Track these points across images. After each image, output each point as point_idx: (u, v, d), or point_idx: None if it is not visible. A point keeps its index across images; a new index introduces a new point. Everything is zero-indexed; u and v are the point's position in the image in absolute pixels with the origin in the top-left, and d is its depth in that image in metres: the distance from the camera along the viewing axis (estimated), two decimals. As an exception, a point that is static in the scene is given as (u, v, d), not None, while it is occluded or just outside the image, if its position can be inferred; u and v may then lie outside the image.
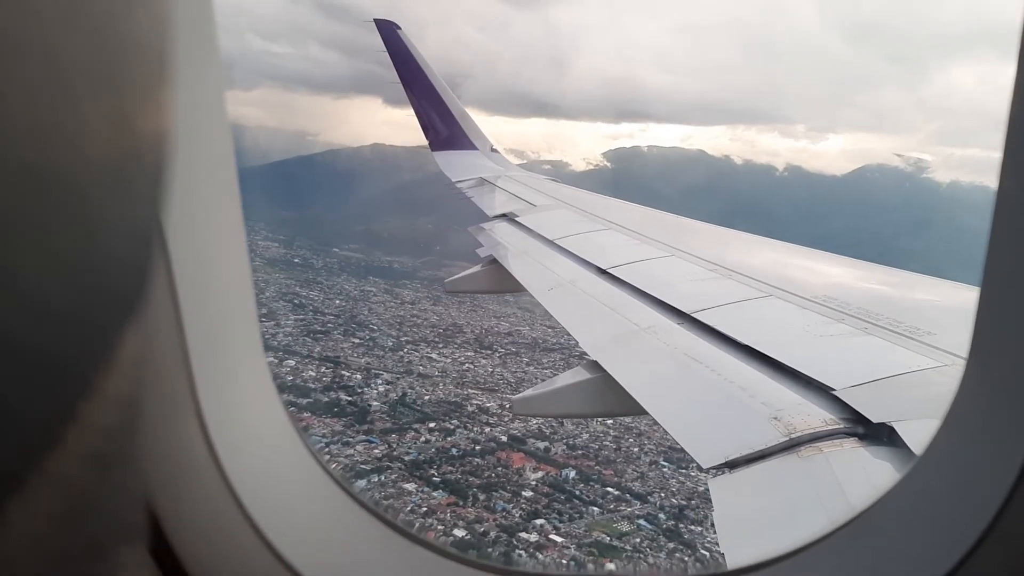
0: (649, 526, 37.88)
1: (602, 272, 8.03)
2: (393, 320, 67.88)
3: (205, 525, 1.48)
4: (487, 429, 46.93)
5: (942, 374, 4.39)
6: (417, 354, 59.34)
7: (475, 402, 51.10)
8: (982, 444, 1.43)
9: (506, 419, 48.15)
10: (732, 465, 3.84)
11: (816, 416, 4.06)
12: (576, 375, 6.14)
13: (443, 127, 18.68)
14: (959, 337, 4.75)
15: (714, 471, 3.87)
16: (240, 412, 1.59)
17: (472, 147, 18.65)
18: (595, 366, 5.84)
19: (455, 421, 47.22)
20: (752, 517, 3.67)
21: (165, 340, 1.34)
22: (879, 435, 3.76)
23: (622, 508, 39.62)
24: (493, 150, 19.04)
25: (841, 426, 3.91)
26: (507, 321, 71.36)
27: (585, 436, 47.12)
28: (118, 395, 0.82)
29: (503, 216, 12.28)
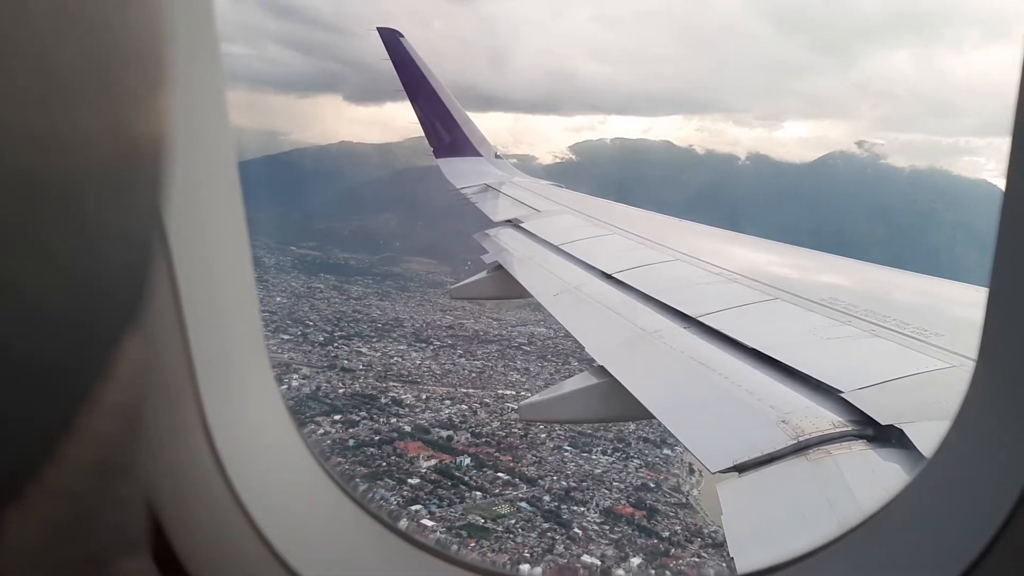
0: (529, 508, 38.85)
1: (608, 277, 8.02)
2: (333, 316, 68.42)
3: (210, 533, 1.47)
4: (393, 420, 47.61)
5: (950, 375, 4.37)
6: (347, 348, 59.99)
7: (391, 394, 51.82)
8: (993, 445, 1.41)
9: (417, 409, 49.23)
10: (740, 468, 3.83)
11: (824, 419, 4.03)
12: (583, 380, 6.13)
13: (447, 134, 18.71)
14: (966, 338, 4.74)
15: (722, 475, 3.85)
16: (245, 419, 1.59)
17: (476, 153, 18.68)
18: (602, 371, 5.82)
19: (363, 413, 47.86)
20: (761, 521, 3.65)
21: (168, 347, 1.34)
22: (888, 437, 3.74)
23: (508, 492, 40.61)
24: (497, 156, 19.07)
25: (849, 428, 3.89)
26: (452, 315, 72.17)
27: (495, 424, 48.35)
28: (120, 404, 0.82)
29: (508, 222, 12.28)
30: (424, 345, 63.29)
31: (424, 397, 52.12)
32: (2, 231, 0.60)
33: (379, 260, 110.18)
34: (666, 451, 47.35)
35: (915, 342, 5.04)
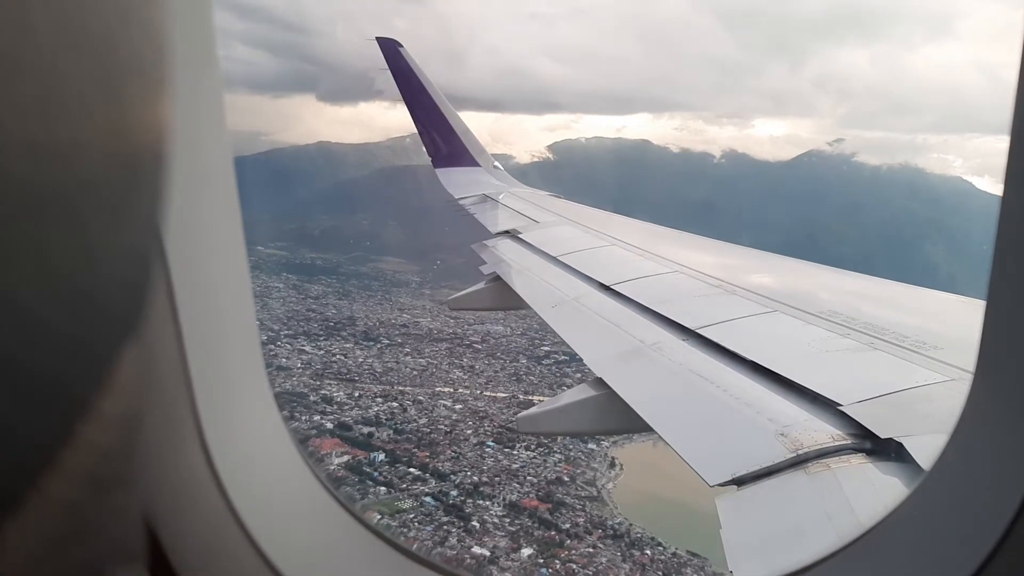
0: (433, 503, 39.40)
1: (606, 288, 8.02)
2: (284, 315, 68.19)
3: (206, 545, 1.46)
4: (317, 417, 47.79)
5: (949, 389, 4.36)
6: (289, 347, 59.88)
7: (323, 392, 51.99)
8: (991, 458, 1.41)
9: (345, 407, 49.49)
10: (739, 482, 3.81)
11: (823, 432, 4.03)
12: (581, 392, 6.11)
13: (445, 144, 18.74)
14: (965, 351, 4.74)
15: (721, 488, 3.84)
16: (241, 431, 1.58)
17: (474, 163, 18.70)
18: (600, 383, 5.81)
19: (285, 412, 48.16)
20: (760, 534, 3.64)
21: (165, 358, 1.33)
22: (887, 450, 3.74)
23: (415, 487, 41.07)
24: (495, 166, 19.10)
25: (848, 442, 3.88)
26: (409, 313, 72.94)
27: (422, 421, 48.92)
28: (117, 415, 0.81)
29: (506, 233, 12.29)
30: (371, 343, 63.48)
31: (357, 395, 52.40)
32: (3, 241, 0.59)
33: (347, 260, 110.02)
34: (591, 446, 47.87)
35: (914, 355, 5.04)
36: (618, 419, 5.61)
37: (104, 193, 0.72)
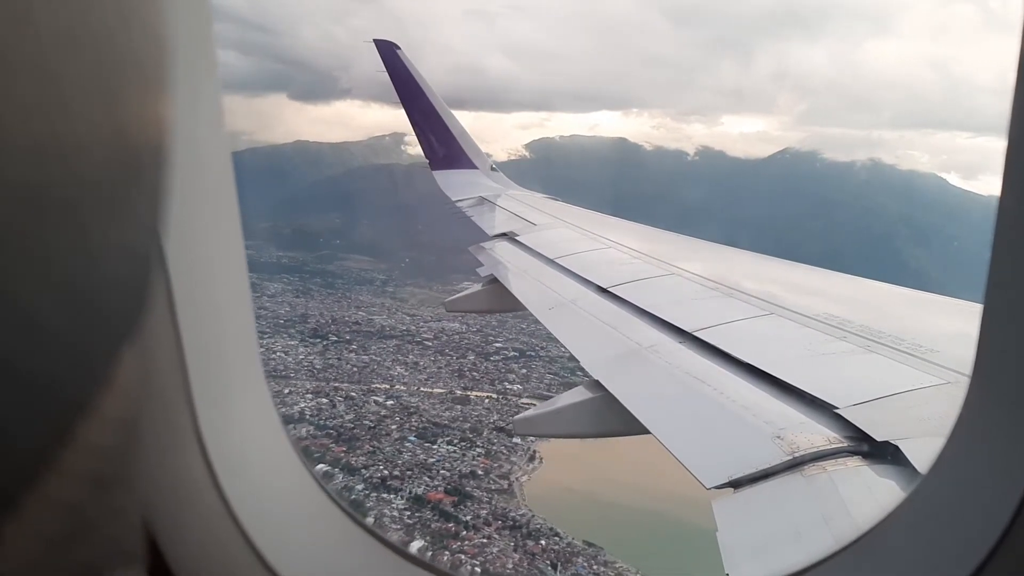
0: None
1: (603, 291, 8.02)
2: None
3: (203, 545, 1.46)
4: None
5: (945, 392, 4.37)
6: None
7: None
8: (988, 460, 1.41)
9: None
10: (735, 485, 3.82)
11: (819, 434, 4.03)
12: (578, 395, 6.11)
13: (442, 146, 18.72)
14: (962, 354, 4.74)
15: (717, 490, 3.84)
16: (239, 432, 1.58)
17: (472, 166, 18.69)
18: (597, 386, 5.81)
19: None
20: (756, 537, 3.64)
21: (164, 359, 1.33)
22: (883, 453, 3.74)
23: (321, 482, 41.68)
24: (493, 169, 19.09)
25: (845, 444, 3.88)
26: (365, 311, 72.43)
27: (349, 416, 48.56)
28: (116, 415, 0.81)
29: (503, 235, 12.29)
30: (318, 340, 62.99)
31: (287, 391, 51.80)
32: (2, 241, 0.59)
33: (314, 258, 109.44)
34: (516, 440, 47.84)
35: (910, 358, 5.04)
36: (615, 422, 5.61)
37: (104, 193, 0.72)
